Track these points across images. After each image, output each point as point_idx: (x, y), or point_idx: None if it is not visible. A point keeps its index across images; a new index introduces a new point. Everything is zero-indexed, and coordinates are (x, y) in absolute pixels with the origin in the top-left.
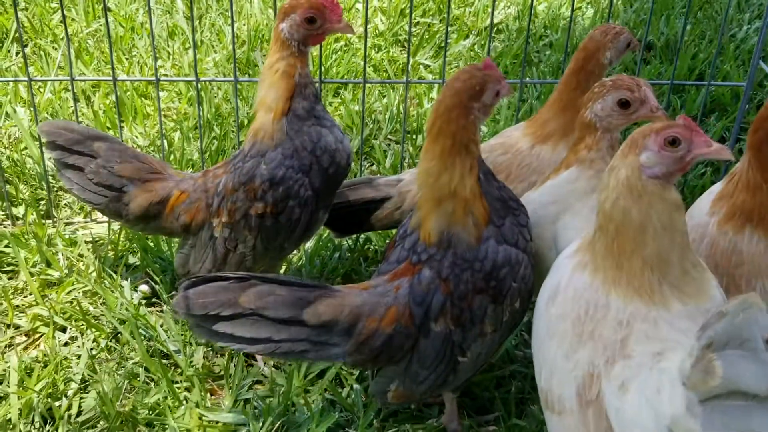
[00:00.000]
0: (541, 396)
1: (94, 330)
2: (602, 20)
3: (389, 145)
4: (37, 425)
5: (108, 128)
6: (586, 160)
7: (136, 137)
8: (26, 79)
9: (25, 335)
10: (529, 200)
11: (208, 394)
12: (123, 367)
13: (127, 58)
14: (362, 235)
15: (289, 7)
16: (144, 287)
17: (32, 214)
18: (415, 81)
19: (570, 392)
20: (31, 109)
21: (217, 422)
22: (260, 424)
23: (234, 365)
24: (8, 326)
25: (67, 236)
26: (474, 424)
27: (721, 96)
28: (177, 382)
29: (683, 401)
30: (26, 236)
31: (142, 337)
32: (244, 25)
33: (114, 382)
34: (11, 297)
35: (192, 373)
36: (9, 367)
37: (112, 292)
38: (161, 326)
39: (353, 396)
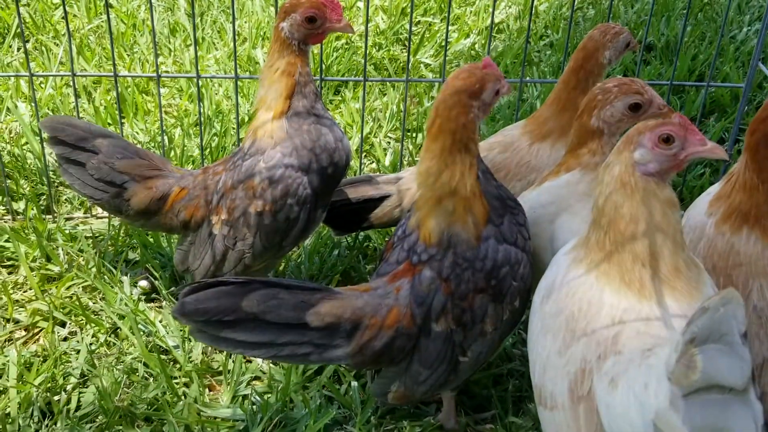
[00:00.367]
0: (535, 391)
1: (93, 325)
2: (603, 21)
3: (389, 143)
4: (36, 419)
5: (109, 124)
6: (590, 164)
7: (137, 133)
8: (27, 74)
9: (25, 330)
10: (526, 199)
11: (207, 390)
12: (122, 362)
13: (128, 55)
14: (361, 233)
15: (290, 6)
16: (143, 283)
17: (33, 209)
18: (416, 80)
19: (562, 388)
20: (32, 104)
21: (216, 418)
22: (258, 420)
23: (232, 361)
24: (8, 321)
25: (67, 231)
26: (471, 421)
27: (721, 97)
28: (176, 378)
29: (667, 395)
30: (26, 231)
31: (141, 333)
32: (245, 22)
33: (113, 377)
34: (11, 292)
35: (191, 369)
36: (8, 361)
37: (112, 287)
38: (160, 322)
39: (351, 393)
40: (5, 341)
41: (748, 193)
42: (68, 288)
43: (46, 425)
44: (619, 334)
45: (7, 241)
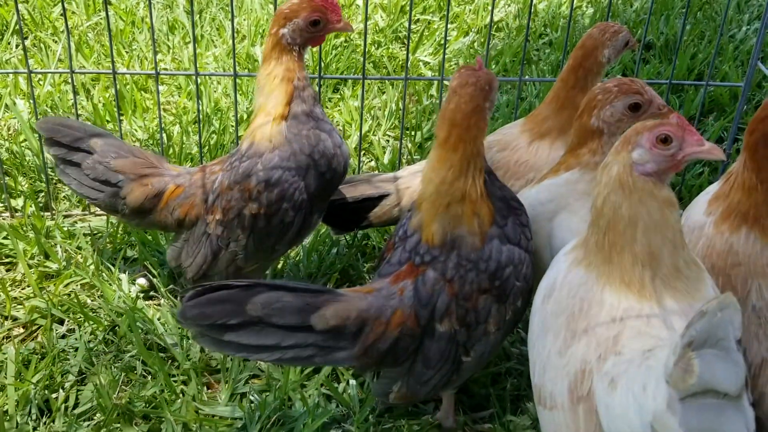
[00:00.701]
0: (535, 391)
1: (91, 322)
2: (602, 19)
3: (388, 141)
4: (34, 417)
5: (107, 121)
6: (590, 164)
7: (136, 131)
8: (26, 71)
9: (23, 327)
10: (525, 196)
11: (205, 388)
12: (120, 359)
13: (127, 52)
14: (360, 232)
15: (291, 12)
16: (142, 280)
17: (31, 206)
18: (415, 78)
19: (562, 388)
20: (31, 101)
21: (214, 416)
22: (256, 418)
23: (231, 359)
24: (6, 318)
25: (65, 228)
26: (469, 420)
27: (720, 96)
28: (174, 376)
29: (665, 398)
30: (25, 228)
31: (140, 330)
32: (244, 20)
33: (111, 374)
34: (9, 289)
35: (189, 367)
36: (6, 358)
37: (110, 284)
38: (159, 319)
39: (349, 391)
40: (3, 338)
41: (746, 192)
42: (66, 285)
43: (44, 423)
44: (619, 335)
45: (5, 238)
